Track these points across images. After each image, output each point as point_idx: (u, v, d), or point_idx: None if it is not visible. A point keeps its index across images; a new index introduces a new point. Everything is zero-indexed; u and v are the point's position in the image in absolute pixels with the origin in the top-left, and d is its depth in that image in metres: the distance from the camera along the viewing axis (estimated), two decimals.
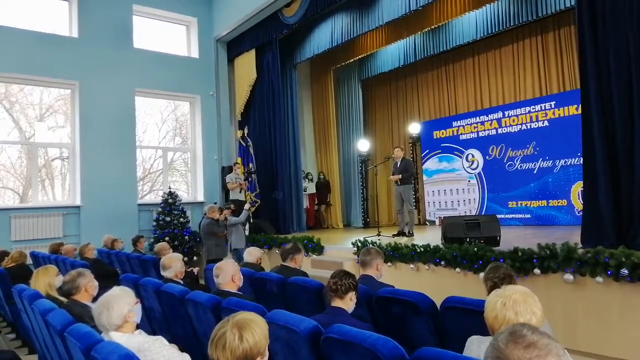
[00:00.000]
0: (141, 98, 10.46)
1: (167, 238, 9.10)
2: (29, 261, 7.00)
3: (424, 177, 11.04)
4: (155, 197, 10.63)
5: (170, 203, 9.69)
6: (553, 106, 8.80)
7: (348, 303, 2.75)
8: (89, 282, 3.37)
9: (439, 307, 2.85)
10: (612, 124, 4.89)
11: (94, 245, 7.17)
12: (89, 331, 2.37)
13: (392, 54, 11.07)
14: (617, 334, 4.14)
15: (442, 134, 10.72)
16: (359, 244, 6.60)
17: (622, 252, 4.11)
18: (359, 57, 11.10)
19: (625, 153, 4.77)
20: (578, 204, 8.15)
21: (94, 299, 3.17)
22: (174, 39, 11.17)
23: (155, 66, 10.37)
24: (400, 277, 5.73)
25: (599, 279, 4.16)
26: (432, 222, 10.69)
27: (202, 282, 5.96)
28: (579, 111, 5.39)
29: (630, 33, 4.71)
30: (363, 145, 10.85)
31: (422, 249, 5.71)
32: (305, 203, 11.39)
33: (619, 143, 4.83)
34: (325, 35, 9.81)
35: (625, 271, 3.99)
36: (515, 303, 1.79)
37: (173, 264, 4.19)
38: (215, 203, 9.64)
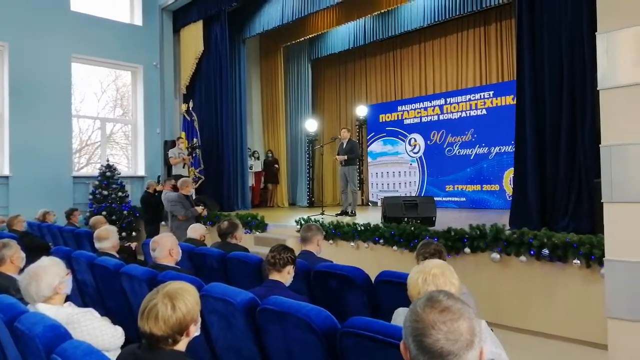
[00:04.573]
0: (78, 65, 9.88)
1: (104, 212, 8.76)
2: None
3: (369, 159, 11.26)
4: (93, 170, 10.17)
5: (109, 176, 9.32)
6: (491, 95, 9.20)
7: (286, 276, 2.81)
8: (14, 254, 3.21)
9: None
10: (542, 116, 5.22)
11: (24, 217, 6.79)
12: (14, 302, 2.27)
13: (342, 36, 11.09)
14: (536, 309, 4.48)
15: (388, 117, 10.95)
16: (302, 222, 6.66)
17: (545, 233, 4.44)
18: (310, 36, 11.03)
19: (552, 143, 5.12)
20: (509, 189, 8.63)
21: (21, 271, 3.03)
22: (116, 4, 10.57)
23: (94, 31, 9.78)
24: (340, 255, 5.86)
25: (523, 258, 4.46)
26: (375, 203, 10.96)
27: (140, 257, 5.81)
28: (515, 101, 5.68)
29: (564, 26, 4.99)
30: (311, 125, 10.86)
31: (362, 228, 5.87)
32: (251, 181, 11.32)
33: (547, 134, 5.17)
34: (276, 12, 9.61)
35: (546, 251, 4.31)
36: (435, 277, 1.93)
37: (109, 235, 4.06)
38: (170, 178, 9.27)
